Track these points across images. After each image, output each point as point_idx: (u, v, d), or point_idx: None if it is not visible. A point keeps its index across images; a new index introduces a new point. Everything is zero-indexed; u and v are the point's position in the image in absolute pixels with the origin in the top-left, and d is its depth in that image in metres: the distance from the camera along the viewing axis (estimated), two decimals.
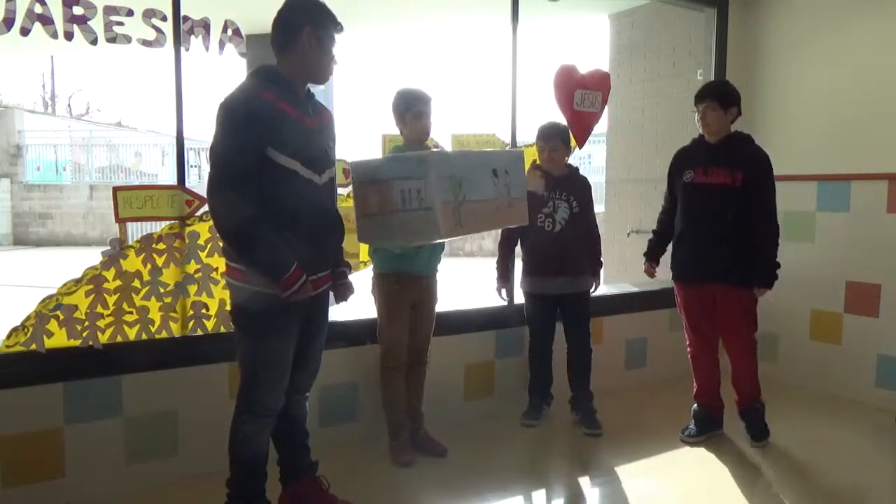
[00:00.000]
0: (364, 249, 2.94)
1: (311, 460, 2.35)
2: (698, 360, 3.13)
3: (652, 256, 3.24)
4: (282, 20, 2.07)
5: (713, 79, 4.12)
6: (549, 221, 3.17)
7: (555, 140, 3.16)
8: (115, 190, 2.55)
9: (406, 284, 2.78)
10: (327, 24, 2.08)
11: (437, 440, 2.94)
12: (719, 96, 2.91)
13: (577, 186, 3.22)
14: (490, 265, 3.52)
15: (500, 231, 3.28)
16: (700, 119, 2.95)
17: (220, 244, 2.65)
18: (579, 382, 3.28)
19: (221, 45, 2.59)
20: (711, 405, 3.14)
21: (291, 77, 2.06)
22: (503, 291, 3.39)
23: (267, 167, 1.95)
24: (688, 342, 3.16)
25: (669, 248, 3.18)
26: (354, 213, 2.32)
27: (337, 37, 2.11)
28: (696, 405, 3.17)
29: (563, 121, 3.37)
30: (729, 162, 2.89)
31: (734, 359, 3.04)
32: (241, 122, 1.93)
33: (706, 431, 3.12)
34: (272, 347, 2.09)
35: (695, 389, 3.17)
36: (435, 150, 3.03)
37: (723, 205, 2.88)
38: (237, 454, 2.13)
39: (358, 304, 2.73)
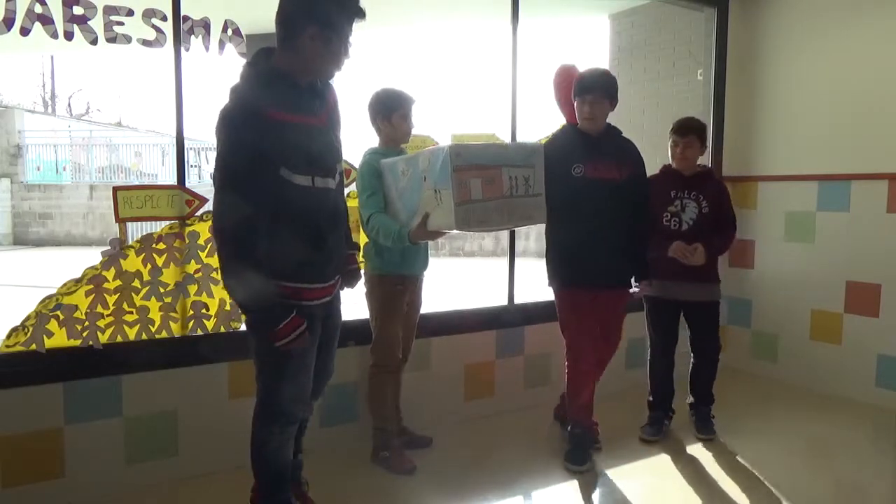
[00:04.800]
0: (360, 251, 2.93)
1: (299, 460, 2.32)
2: (588, 375, 2.84)
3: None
4: (283, 14, 1.88)
5: (716, 77, 4.11)
6: (674, 221, 3.03)
7: (690, 136, 3.02)
8: (115, 190, 2.55)
9: (407, 285, 2.77)
10: (337, 20, 1.88)
11: (417, 432, 2.98)
12: (607, 90, 2.77)
13: (709, 187, 3.05)
14: (489, 265, 3.52)
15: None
16: (587, 112, 2.75)
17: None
18: (701, 390, 3.18)
19: (221, 45, 2.59)
20: (592, 424, 2.92)
21: (291, 72, 1.90)
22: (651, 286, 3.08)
23: (282, 187, 1.86)
24: (574, 358, 2.84)
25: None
26: (452, 199, 2.18)
27: (356, 25, 1.93)
28: (576, 429, 2.85)
29: (562, 120, 3.36)
30: (615, 156, 2.78)
31: (602, 368, 2.95)
32: (241, 136, 1.80)
33: (591, 456, 2.86)
34: (295, 357, 1.97)
35: (576, 411, 2.86)
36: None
37: (613, 201, 2.73)
38: (268, 466, 2.06)
39: (357, 304, 2.73)
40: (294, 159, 1.87)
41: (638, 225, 2.84)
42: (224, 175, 1.83)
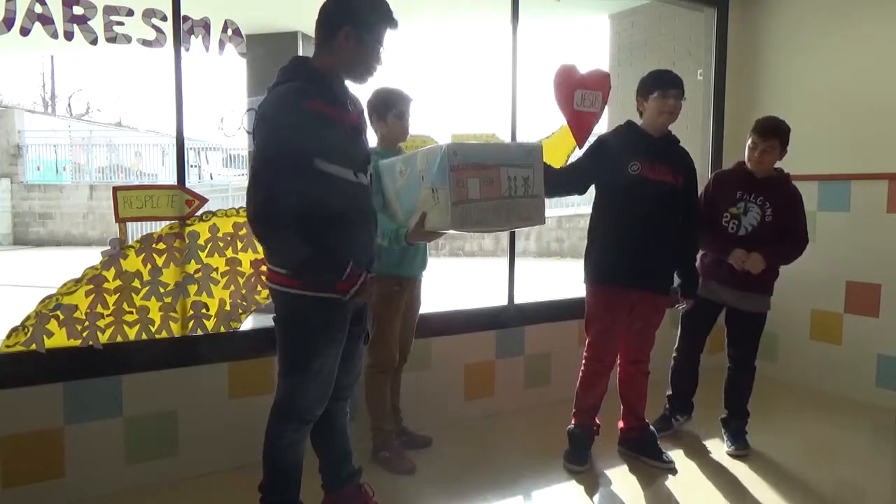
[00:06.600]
0: None
1: (355, 468, 2.28)
2: (602, 377, 2.81)
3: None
4: (323, 14, 1.95)
5: (716, 77, 4.12)
6: (733, 223, 2.88)
7: (773, 140, 2.84)
8: (115, 190, 2.55)
9: (405, 286, 2.76)
10: (371, 22, 1.93)
11: (417, 432, 2.98)
12: (683, 90, 2.71)
13: (780, 194, 2.87)
14: (489, 265, 3.51)
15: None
16: (671, 105, 2.66)
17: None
18: (736, 404, 3.04)
19: (221, 45, 2.59)
20: (593, 424, 2.90)
21: (327, 72, 1.94)
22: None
23: (317, 178, 1.85)
24: (591, 356, 2.82)
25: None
26: (449, 199, 2.11)
27: (390, 33, 1.97)
28: (577, 428, 2.86)
29: (562, 120, 3.36)
30: (671, 161, 2.71)
31: (641, 374, 2.88)
32: (286, 131, 1.81)
33: (591, 456, 2.87)
34: (323, 356, 1.99)
35: (580, 410, 2.86)
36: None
37: (666, 205, 2.68)
38: (279, 462, 2.06)
39: None
40: (329, 151, 1.87)
41: (689, 236, 2.78)
42: (262, 163, 1.83)
